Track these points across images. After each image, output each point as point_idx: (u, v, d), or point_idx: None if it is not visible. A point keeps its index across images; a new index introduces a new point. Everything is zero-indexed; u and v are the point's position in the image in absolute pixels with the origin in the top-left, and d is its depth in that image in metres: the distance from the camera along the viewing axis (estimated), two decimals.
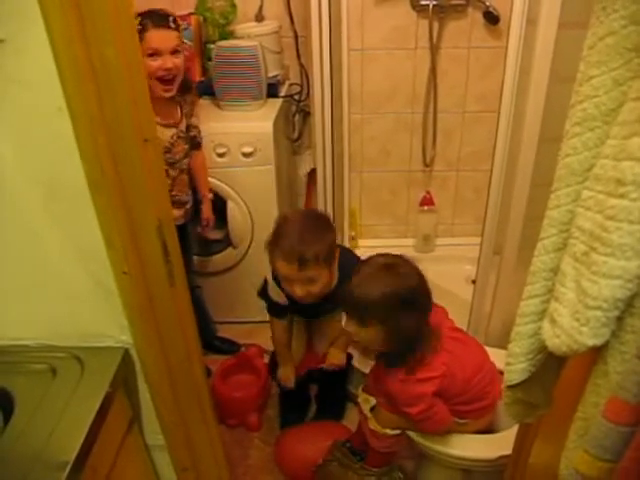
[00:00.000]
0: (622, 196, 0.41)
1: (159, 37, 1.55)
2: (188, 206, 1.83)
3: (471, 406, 1.33)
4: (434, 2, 1.94)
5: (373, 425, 1.35)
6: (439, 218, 2.43)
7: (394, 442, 1.38)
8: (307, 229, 1.40)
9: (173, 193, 1.75)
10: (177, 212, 1.76)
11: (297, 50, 2.18)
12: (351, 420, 1.79)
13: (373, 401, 1.39)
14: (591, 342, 0.45)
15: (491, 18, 1.95)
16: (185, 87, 1.70)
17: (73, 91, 0.69)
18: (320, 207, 2.00)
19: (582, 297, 0.45)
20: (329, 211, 2.02)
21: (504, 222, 1.57)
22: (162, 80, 1.58)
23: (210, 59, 2.01)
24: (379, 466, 1.47)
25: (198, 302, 2.03)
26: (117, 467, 0.94)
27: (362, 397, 1.43)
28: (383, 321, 1.19)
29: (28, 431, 0.81)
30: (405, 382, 1.24)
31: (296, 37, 2.16)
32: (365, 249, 2.31)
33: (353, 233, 2.42)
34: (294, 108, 2.30)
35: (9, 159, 0.76)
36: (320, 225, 1.45)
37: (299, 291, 1.40)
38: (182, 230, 1.81)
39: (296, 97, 2.26)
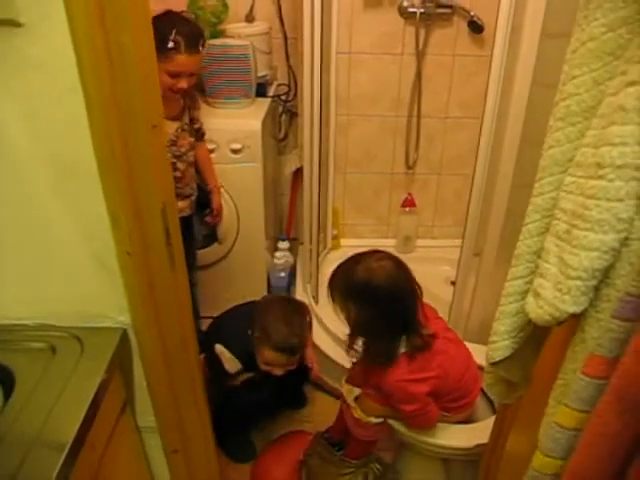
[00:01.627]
0: (601, 177, 0.46)
1: (188, 63, 1.58)
2: (193, 198, 1.86)
3: (457, 403, 1.39)
4: (421, 10, 2.01)
5: (358, 414, 1.40)
6: (420, 220, 2.49)
7: (377, 430, 1.43)
8: (293, 320, 1.53)
9: (179, 186, 1.77)
10: (182, 204, 1.79)
11: (286, 51, 2.23)
12: (322, 408, 1.84)
13: (357, 391, 1.44)
14: (572, 309, 0.51)
15: (475, 27, 2.03)
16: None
17: (89, 75, 0.72)
18: (305, 205, 2.05)
19: (564, 269, 0.51)
20: (314, 210, 2.07)
21: (484, 225, 1.64)
22: (172, 91, 1.62)
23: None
24: (358, 457, 1.51)
25: (192, 298, 2.06)
26: (110, 448, 0.96)
27: (346, 388, 1.47)
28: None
29: (28, 407, 0.83)
30: (402, 382, 1.29)
31: (285, 39, 2.21)
32: (347, 248, 2.36)
33: (335, 232, 2.47)
34: (281, 108, 2.35)
35: (22, 139, 0.79)
36: (300, 311, 1.60)
37: (279, 372, 1.55)
38: (186, 222, 1.84)
39: (283, 97, 2.31)
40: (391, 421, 1.43)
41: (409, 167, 2.36)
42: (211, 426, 1.20)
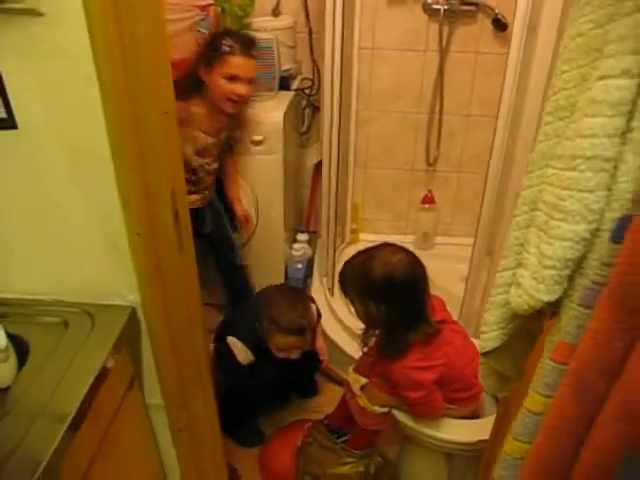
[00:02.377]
0: (574, 168, 0.48)
1: (243, 65, 1.64)
2: (207, 192, 1.91)
3: (461, 394, 1.40)
4: (445, 6, 2.01)
5: (363, 402, 1.42)
6: (439, 217, 2.49)
7: (382, 420, 1.44)
8: (296, 303, 1.62)
9: (200, 187, 1.84)
10: (195, 197, 1.85)
11: (310, 46, 2.25)
12: (332, 399, 1.81)
13: (363, 381, 1.45)
14: (546, 298, 0.52)
15: (499, 25, 2.02)
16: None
17: (103, 63, 0.76)
18: (324, 199, 2.08)
19: (540, 259, 0.52)
20: (332, 203, 2.09)
21: (497, 223, 1.63)
22: (232, 100, 1.67)
23: None
24: (362, 448, 1.53)
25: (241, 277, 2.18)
26: (117, 420, 1.01)
27: (352, 377, 1.49)
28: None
29: (40, 375, 0.88)
30: (408, 369, 1.31)
31: (310, 33, 2.23)
32: (365, 243, 2.38)
33: (354, 226, 2.49)
34: (304, 102, 2.38)
35: (41, 123, 0.83)
36: (301, 296, 1.71)
37: (295, 355, 1.61)
38: (198, 214, 1.90)
39: (307, 91, 2.33)
40: (396, 413, 1.44)
41: (429, 164, 2.36)
42: (216, 407, 1.24)
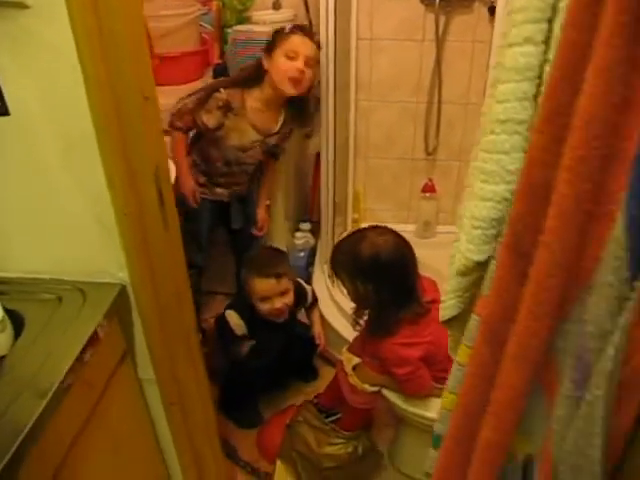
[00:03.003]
0: (492, 132, 0.51)
1: (303, 42, 1.69)
2: (236, 188, 1.95)
3: (448, 374, 1.43)
4: None
5: (354, 381, 1.45)
6: (440, 206, 2.51)
7: (372, 399, 1.48)
8: (270, 253, 1.82)
9: (222, 181, 1.88)
10: (221, 190, 1.91)
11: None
12: (327, 380, 1.85)
13: (356, 360, 1.49)
14: (476, 257, 0.56)
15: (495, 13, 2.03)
16: (305, 118, 1.90)
17: (85, 54, 0.81)
18: (323, 188, 2.12)
19: (470, 220, 0.56)
20: (330, 193, 2.14)
21: None
22: (293, 79, 1.70)
23: (227, 42, 2.14)
24: (351, 429, 1.57)
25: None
26: (109, 390, 1.07)
27: (345, 356, 1.53)
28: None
29: (34, 346, 0.94)
30: (395, 345, 1.35)
31: (311, 26, 2.26)
32: None
33: (356, 216, 2.52)
34: None
35: (36, 112, 0.89)
36: (277, 251, 1.87)
37: (278, 304, 1.65)
38: (223, 207, 1.96)
39: None
40: (387, 393, 1.48)
41: (429, 153, 2.38)
42: (208, 382, 1.29)
